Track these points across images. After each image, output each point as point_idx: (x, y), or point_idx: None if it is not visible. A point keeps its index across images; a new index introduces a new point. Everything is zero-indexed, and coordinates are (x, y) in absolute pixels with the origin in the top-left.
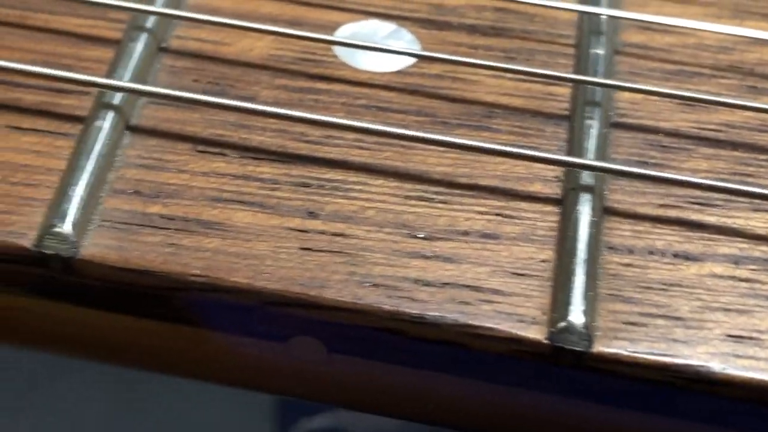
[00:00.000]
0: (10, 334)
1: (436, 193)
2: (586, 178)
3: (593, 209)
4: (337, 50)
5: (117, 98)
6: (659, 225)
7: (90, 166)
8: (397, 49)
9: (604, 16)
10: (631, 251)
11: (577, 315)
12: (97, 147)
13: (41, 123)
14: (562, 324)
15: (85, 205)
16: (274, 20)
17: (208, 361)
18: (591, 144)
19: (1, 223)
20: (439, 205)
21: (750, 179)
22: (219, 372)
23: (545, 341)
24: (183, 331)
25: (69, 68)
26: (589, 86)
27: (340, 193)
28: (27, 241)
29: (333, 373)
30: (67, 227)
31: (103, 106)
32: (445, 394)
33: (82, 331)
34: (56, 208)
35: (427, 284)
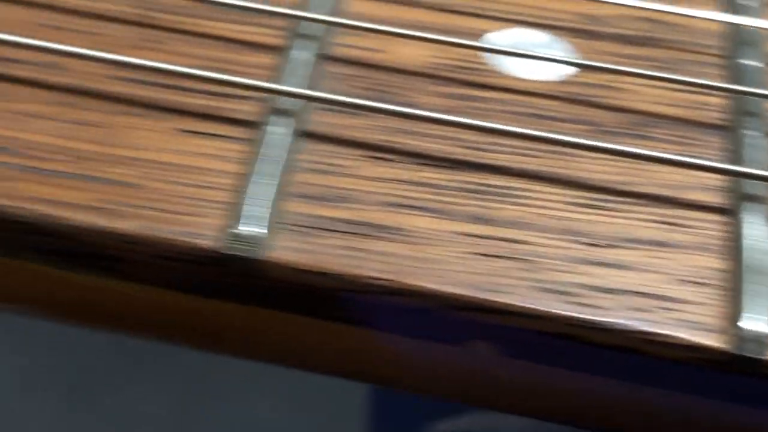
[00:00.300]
0: (183, 335)
1: (603, 200)
2: (753, 187)
3: (764, 218)
4: (491, 58)
5: (286, 103)
6: None
7: (265, 169)
8: (562, 58)
9: (752, 27)
10: None
11: (755, 323)
12: (271, 151)
13: (211, 127)
14: (741, 332)
15: (264, 207)
16: (426, 28)
17: (382, 364)
18: (757, 154)
19: (180, 223)
20: (607, 213)
21: None
22: (392, 375)
23: (726, 349)
24: (360, 333)
25: (234, 74)
26: (746, 96)
27: (509, 200)
28: (209, 242)
29: (506, 377)
30: (249, 229)
31: (272, 111)
32: (616, 400)
33: (259, 332)
34: (236, 211)
35: (602, 290)
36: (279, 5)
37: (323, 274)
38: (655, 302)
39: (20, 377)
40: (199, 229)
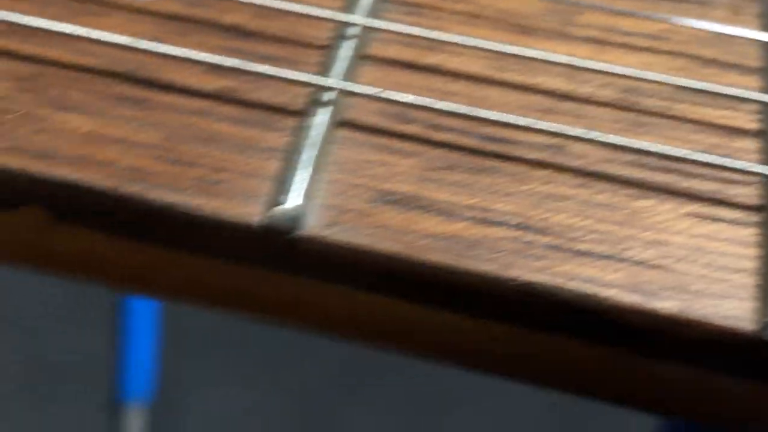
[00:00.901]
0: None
1: None
2: None
3: None
4: None
5: None
6: None
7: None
8: None
9: None
10: None
11: None
12: None
13: (716, 211)
14: None
15: None
16: None
17: None
18: None
19: (715, 307)
20: None
21: None
22: None
23: None
24: None
25: (726, 158)
26: None
27: None
28: (747, 325)
29: None
30: None
31: None
32: None
33: None
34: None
35: None
36: (740, 88)
37: None
38: None
39: (254, 407)
40: (735, 312)
